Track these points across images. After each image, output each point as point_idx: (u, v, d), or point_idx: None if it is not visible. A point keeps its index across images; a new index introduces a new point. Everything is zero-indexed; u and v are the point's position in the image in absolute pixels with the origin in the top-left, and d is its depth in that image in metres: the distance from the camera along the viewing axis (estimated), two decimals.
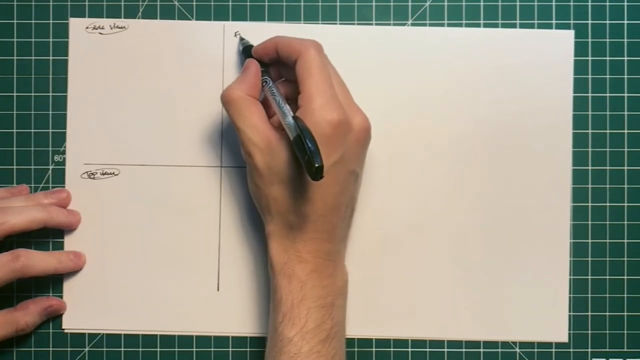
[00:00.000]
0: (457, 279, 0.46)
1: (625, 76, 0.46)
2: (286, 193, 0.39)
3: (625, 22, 0.46)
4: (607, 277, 0.46)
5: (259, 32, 0.45)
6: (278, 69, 0.43)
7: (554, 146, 0.46)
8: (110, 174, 0.46)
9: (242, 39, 0.45)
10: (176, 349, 0.46)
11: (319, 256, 0.40)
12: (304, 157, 0.35)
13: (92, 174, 0.46)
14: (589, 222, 0.46)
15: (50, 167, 0.46)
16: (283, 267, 0.40)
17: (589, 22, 0.46)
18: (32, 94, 0.46)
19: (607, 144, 0.46)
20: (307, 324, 0.39)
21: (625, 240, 0.46)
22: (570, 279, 0.46)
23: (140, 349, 0.46)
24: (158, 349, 0.46)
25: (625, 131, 0.46)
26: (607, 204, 0.46)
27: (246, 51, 0.44)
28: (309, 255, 0.40)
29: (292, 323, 0.39)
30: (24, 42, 0.46)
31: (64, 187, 0.46)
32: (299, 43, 0.40)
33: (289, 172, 0.39)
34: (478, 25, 0.46)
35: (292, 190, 0.39)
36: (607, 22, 0.46)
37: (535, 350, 0.46)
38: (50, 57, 0.46)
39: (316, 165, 0.35)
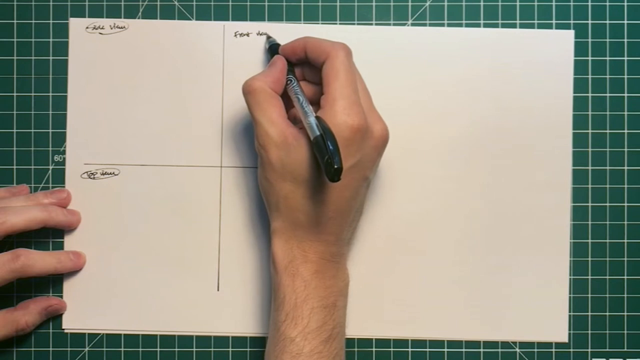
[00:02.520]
0: (457, 279, 0.46)
1: (625, 76, 0.46)
2: (298, 192, 0.39)
3: (625, 22, 0.46)
4: (607, 277, 0.46)
5: (258, 32, 0.45)
6: (302, 71, 0.43)
7: (554, 146, 0.46)
8: (110, 174, 0.46)
9: (268, 37, 0.45)
10: (176, 349, 0.46)
11: (324, 257, 0.40)
12: (323, 157, 0.35)
13: (92, 174, 0.46)
14: (589, 222, 0.46)
15: (50, 167, 0.46)
16: (287, 265, 0.40)
17: (589, 22, 0.46)
18: (32, 94, 0.46)
19: (607, 144, 0.46)
20: (310, 324, 0.39)
21: (625, 240, 0.46)
22: (570, 279, 0.46)
23: (140, 349, 0.46)
24: (158, 349, 0.46)
25: (625, 131, 0.46)
26: (607, 204, 0.46)
27: (272, 49, 0.44)
28: (315, 255, 0.40)
29: (294, 323, 0.39)
30: (24, 42, 0.46)
31: (64, 187, 0.46)
32: (329, 45, 0.40)
33: (303, 171, 0.39)
34: (478, 25, 0.46)
35: (304, 189, 0.39)
36: (607, 22, 0.46)
37: (535, 350, 0.46)
38: (50, 57, 0.46)
39: (335, 166, 0.35)
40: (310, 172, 0.38)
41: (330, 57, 0.39)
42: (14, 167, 0.46)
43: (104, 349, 0.46)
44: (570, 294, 0.46)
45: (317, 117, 0.38)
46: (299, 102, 0.40)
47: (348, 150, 0.38)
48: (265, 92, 0.40)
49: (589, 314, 0.46)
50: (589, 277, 0.46)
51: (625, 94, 0.46)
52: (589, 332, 0.46)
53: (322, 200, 0.39)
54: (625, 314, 0.46)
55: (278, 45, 0.43)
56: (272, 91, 0.40)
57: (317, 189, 0.39)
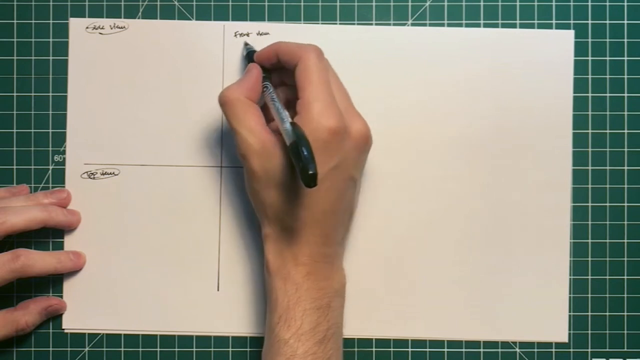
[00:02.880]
0: (457, 279, 0.46)
1: (625, 76, 0.46)
2: (282, 197, 0.39)
3: (625, 22, 0.46)
4: (607, 277, 0.46)
5: (258, 32, 0.45)
6: (280, 75, 0.43)
7: (554, 146, 0.46)
8: (110, 174, 0.46)
9: (246, 44, 0.45)
10: (176, 349, 0.46)
11: (315, 259, 0.40)
12: (299, 163, 0.35)
13: (92, 174, 0.46)
14: (589, 222, 0.46)
15: (50, 167, 0.46)
16: (279, 269, 0.40)
17: (589, 22, 0.46)
18: (32, 94, 0.46)
19: (607, 144, 0.46)
20: (303, 325, 0.39)
21: (625, 240, 0.46)
22: (570, 279, 0.46)
23: (140, 349, 0.46)
24: (158, 349, 0.46)
25: (625, 131, 0.46)
26: (607, 204, 0.46)
27: (249, 56, 0.44)
28: (305, 258, 0.40)
29: (287, 325, 0.39)
30: (24, 42, 0.46)
31: (64, 187, 0.46)
32: (299, 48, 0.40)
33: (285, 176, 0.39)
34: (478, 25, 0.46)
35: (288, 194, 0.39)
36: (607, 22, 0.46)
37: (535, 350, 0.46)
38: (50, 57, 0.46)
39: (310, 172, 0.34)
40: (292, 177, 0.38)
41: (301, 60, 0.39)
42: (14, 167, 0.46)
43: (104, 349, 0.46)
44: (570, 294, 0.46)
45: (293, 123, 0.37)
46: (275, 108, 0.39)
47: (327, 152, 0.38)
48: (240, 102, 0.40)
49: (589, 314, 0.46)
50: (589, 277, 0.46)
51: (625, 94, 0.46)
52: (589, 332, 0.46)
53: (308, 204, 0.39)
54: (625, 314, 0.46)
55: (254, 51, 0.43)
56: (247, 100, 0.40)
57: (301, 193, 0.39)
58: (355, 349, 0.46)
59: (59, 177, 0.46)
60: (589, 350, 0.46)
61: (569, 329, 0.46)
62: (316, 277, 0.40)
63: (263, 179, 0.39)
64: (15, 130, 0.46)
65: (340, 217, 0.41)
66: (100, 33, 0.46)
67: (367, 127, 0.40)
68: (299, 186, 0.38)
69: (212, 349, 0.46)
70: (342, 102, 0.40)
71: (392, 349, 0.46)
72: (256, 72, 0.41)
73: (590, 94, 0.46)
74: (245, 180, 0.41)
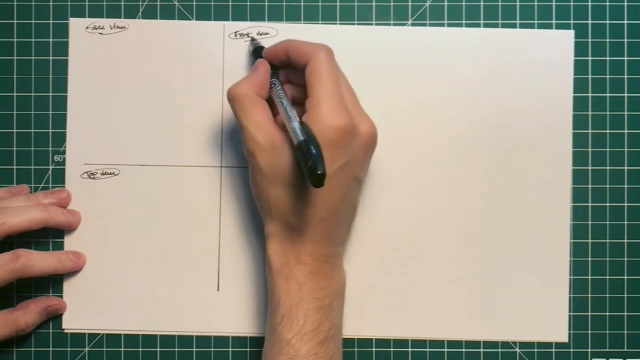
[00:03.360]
0: (457, 279, 0.46)
1: (625, 76, 0.46)
2: (288, 195, 0.39)
3: (625, 22, 0.46)
4: (607, 277, 0.46)
5: (258, 32, 0.45)
6: (287, 73, 0.43)
7: (554, 146, 0.46)
8: (110, 174, 0.46)
9: (253, 40, 0.45)
10: (176, 349, 0.46)
11: (317, 259, 0.40)
12: (306, 163, 0.35)
13: (92, 174, 0.46)
14: (589, 222, 0.46)
15: (50, 167, 0.46)
16: (281, 268, 0.40)
17: (589, 22, 0.46)
18: (32, 94, 0.46)
19: (607, 144, 0.46)
20: (305, 325, 0.39)
21: (625, 240, 0.46)
22: (570, 279, 0.46)
23: (140, 349, 0.46)
24: (158, 349, 0.46)
25: (625, 131, 0.46)
26: (607, 204, 0.46)
27: (257, 52, 0.43)
28: (308, 257, 0.40)
29: (290, 325, 0.39)
30: (24, 42, 0.46)
31: (64, 187, 0.46)
32: (311, 47, 0.40)
33: (292, 174, 0.38)
34: (478, 25, 0.46)
35: (294, 192, 0.39)
36: (607, 22, 0.46)
37: (535, 350, 0.46)
38: (50, 57, 0.46)
39: (319, 172, 0.34)
40: (298, 174, 0.38)
41: (312, 59, 0.39)
42: (14, 167, 0.46)
43: (104, 349, 0.46)
44: (570, 294, 0.46)
45: (301, 122, 0.37)
46: (282, 107, 0.39)
47: (335, 152, 0.38)
48: (249, 97, 0.40)
49: (589, 314, 0.46)
50: (589, 277, 0.46)
51: (625, 94, 0.46)
52: (589, 332, 0.46)
53: (313, 203, 0.39)
54: (625, 314, 0.46)
55: (262, 47, 0.43)
56: (256, 96, 0.40)
57: (307, 191, 0.39)
58: (355, 349, 0.46)
59: (59, 177, 0.46)
60: (589, 350, 0.46)
61: (569, 329, 0.46)
62: (318, 277, 0.40)
63: (269, 176, 0.39)
64: (15, 130, 0.46)
65: (344, 217, 0.41)
66: (100, 33, 0.46)
67: (375, 128, 0.40)
68: (305, 185, 0.38)
69: (212, 349, 0.46)
70: (351, 102, 0.40)
71: (392, 349, 0.46)
72: (264, 68, 0.41)
73: (590, 94, 0.46)
74: (250, 177, 0.41)
